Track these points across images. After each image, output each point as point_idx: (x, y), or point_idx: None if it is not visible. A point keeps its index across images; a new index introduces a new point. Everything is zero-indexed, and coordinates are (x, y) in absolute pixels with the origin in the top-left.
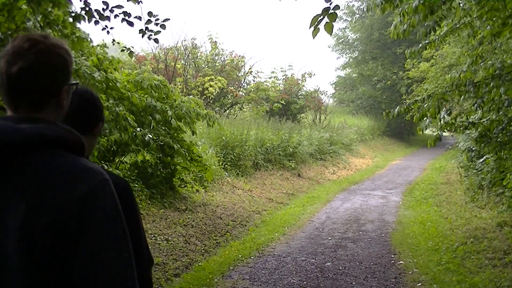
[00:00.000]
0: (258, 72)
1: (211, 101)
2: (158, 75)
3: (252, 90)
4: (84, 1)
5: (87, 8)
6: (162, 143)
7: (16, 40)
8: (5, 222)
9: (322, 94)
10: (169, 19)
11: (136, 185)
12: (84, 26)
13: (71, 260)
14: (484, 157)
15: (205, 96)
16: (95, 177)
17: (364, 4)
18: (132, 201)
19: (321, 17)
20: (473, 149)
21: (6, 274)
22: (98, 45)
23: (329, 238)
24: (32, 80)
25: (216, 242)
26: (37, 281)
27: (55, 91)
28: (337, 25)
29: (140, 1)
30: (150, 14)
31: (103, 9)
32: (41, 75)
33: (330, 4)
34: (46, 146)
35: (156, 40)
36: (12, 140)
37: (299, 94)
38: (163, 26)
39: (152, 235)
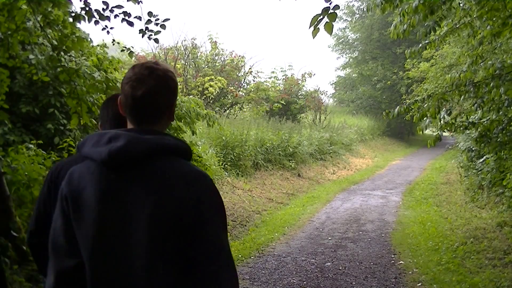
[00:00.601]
0: (258, 72)
1: (211, 101)
2: None
3: (252, 90)
4: (84, 1)
5: (87, 8)
6: None
7: (136, 68)
8: (133, 212)
9: (322, 94)
10: (169, 19)
11: None
12: (84, 26)
13: (189, 240)
14: (484, 157)
15: (205, 96)
16: (205, 179)
17: (364, 4)
18: None
19: (321, 17)
20: (473, 149)
21: (134, 251)
22: (98, 45)
23: (329, 238)
24: (153, 101)
25: None
26: (160, 255)
27: (169, 107)
28: (337, 25)
29: (140, 1)
30: (150, 14)
31: (103, 9)
32: (160, 96)
33: (330, 4)
34: (165, 153)
35: (156, 40)
36: (140, 148)
37: (299, 94)
38: (163, 26)
39: None
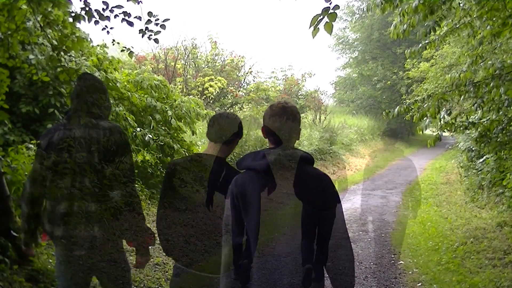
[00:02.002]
0: (258, 72)
1: (211, 101)
2: (158, 75)
3: (252, 90)
4: (84, 1)
5: (87, 8)
6: (162, 143)
7: (273, 107)
8: (282, 202)
9: (322, 94)
10: (169, 19)
11: (136, 185)
12: (84, 26)
13: (319, 218)
14: (484, 157)
15: (205, 96)
16: (327, 177)
17: (364, 4)
18: None
19: (321, 17)
20: (473, 149)
21: (286, 226)
22: (98, 45)
23: None
24: (286, 128)
25: (216, 242)
26: (304, 228)
27: (296, 131)
28: (337, 25)
29: (140, 1)
30: (150, 14)
31: (103, 9)
32: (292, 124)
33: (330, 4)
34: (303, 161)
35: (156, 40)
36: (285, 160)
37: (299, 94)
38: (163, 26)
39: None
